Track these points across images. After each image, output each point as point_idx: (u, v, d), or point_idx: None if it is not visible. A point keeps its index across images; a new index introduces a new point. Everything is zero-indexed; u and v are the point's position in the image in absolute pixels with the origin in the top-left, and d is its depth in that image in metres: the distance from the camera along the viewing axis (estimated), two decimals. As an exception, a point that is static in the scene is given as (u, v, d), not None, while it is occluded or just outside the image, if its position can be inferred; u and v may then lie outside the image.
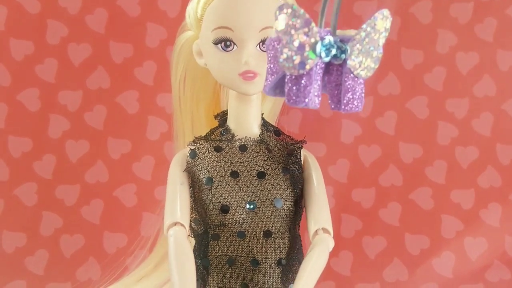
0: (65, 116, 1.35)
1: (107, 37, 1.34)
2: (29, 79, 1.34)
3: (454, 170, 1.40)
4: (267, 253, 0.82)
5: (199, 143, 0.85)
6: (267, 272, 0.82)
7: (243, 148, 0.85)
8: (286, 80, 0.62)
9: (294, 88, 0.62)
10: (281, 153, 0.86)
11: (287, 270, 0.83)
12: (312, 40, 0.62)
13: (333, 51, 0.63)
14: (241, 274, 0.82)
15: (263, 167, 0.84)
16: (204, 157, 0.84)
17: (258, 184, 0.83)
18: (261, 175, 0.83)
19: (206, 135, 0.87)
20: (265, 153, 0.85)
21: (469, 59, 1.40)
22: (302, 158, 0.87)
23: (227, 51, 0.82)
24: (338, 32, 0.65)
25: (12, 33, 1.33)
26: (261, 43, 0.81)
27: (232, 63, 0.82)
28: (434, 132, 1.40)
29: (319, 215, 0.84)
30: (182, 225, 0.80)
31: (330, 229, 0.83)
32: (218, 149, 0.84)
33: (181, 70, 0.91)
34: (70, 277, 1.33)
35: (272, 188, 0.83)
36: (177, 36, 0.91)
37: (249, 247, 0.82)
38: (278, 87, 0.66)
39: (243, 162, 0.84)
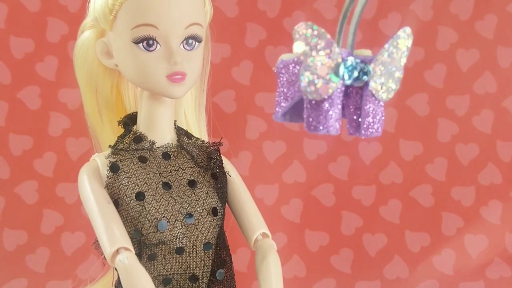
0: (65, 114, 1.35)
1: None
2: (30, 77, 1.34)
3: (454, 167, 1.40)
4: (206, 266, 0.76)
5: (120, 154, 0.75)
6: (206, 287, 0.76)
7: (166, 156, 0.77)
8: (305, 105, 0.58)
9: (314, 114, 0.58)
10: (201, 157, 0.79)
11: (225, 282, 0.78)
12: (334, 62, 0.57)
13: (355, 73, 0.58)
14: None
15: (192, 175, 0.77)
16: (129, 169, 0.74)
17: (191, 194, 0.76)
18: (192, 184, 0.76)
19: (116, 144, 0.77)
20: (188, 159, 0.78)
21: (470, 56, 1.40)
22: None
23: (150, 51, 0.73)
24: (355, 52, 0.61)
25: (13, 31, 1.33)
26: (184, 41, 0.74)
27: (158, 64, 0.73)
28: (435, 129, 1.40)
29: (254, 220, 0.79)
30: (127, 249, 0.70)
31: (269, 232, 0.80)
32: (143, 159, 0.75)
33: (88, 75, 0.81)
34: (71, 275, 1.33)
35: (207, 196, 0.76)
36: (78, 35, 0.81)
37: (187, 263, 0.75)
38: (289, 112, 0.62)
39: (171, 172, 0.76)
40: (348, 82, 0.59)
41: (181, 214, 0.75)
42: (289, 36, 1.37)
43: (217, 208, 0.77)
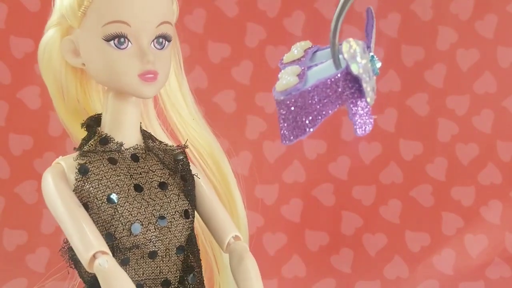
0: (65, 114, 1.35)
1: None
2: (30, 77, 1.34)
3: (454, 167, 1.40)
4: (178, 271, 0.74)
5: (89, 156, 0.73)
6: None
7: (135, 157, 0.75)
8: (367, 112, 0.61)
9: (366, 118, 0.61)
10: (168, 160, 0.77)
11: (196, 285, 0.76)
12: (369, 64, 0.60)
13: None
14: None
15: (162, 176, 0.75)
16: (100, 171, 0.72)
17: (163, 196, 0.74)
18: (163, 186, 0.74)
19: (81, 145, 0.75)
20: (157, 161, 0.76)
21: (470, 56, 1.40)
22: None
23: (121, 48, 0.70)
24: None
25: (13, 31, 1.33)
26: (155, 40, 0.72)
27: (130, 63, 0.70)
28: (435, 129, 1.40)
29: (225, 223, 0.78)
30: (104, 252, 0.67)
31: (240, 235, 0.78)
32: (112, 161, 0.73)
33: (53, 76, 0.79)
34: (71, 275, 1.33)
35: (178, 198, 0.74)
36: (44, 33, 0.79)
37: (160, 267, 0.73)
38: (295, 128, 0.61)
39: (140, 174, 0.74)
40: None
41: (154, 216, 0.72)
42: (289, 36, 1.37)
43: (189, 210, 0.75)
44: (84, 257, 0.67)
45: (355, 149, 1.40)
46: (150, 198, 0.73)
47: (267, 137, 1.39)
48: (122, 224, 0.71)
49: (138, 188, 0.73)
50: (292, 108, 0.61)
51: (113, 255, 0.70)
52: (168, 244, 0.73)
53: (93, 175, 0.72)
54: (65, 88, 0.79)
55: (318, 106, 0.61)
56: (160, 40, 0.72)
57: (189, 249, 0.75)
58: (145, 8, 0.71)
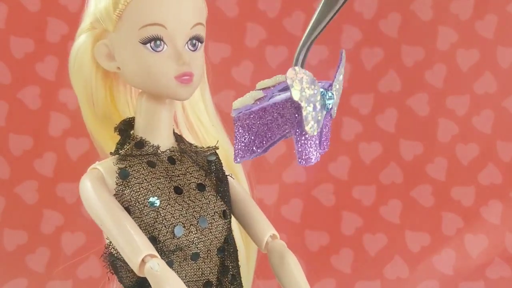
0: (65, 114, 1.35)
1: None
2: (30, 77, 1.34)
3: (454, 167, 1.40)
4: (218, 272, 0.75)
5: (128, 159, 0.73)
6: None
7: (171, 160, 0.75)
8: (301, 142, 0.64)
9: (309, 148, 0.64)
10: (201, 161, 0.77)
11: (235, 287, 0.76)
12: (318, 97, 0.62)
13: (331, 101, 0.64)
14: None
15: (199, 178, 0.75)
16: (140, 175, 0.72)
17: (201, 198, 0.74)
18: (201, 188, 0.75)
19: (117, 149, 0.74)
20: (192, 163, 0.76)
21: (470, 56, 1.40)
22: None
23: (157, 51, 0.71)
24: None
25: (13, 31, 1.33)
26: (189, 42, 0.72)
27: (166, 65, 0.71)
28: (435, 129, 1.40)
29: (262, 223, 0.78)
30: (153, 256, 0.67)
31: (277, 234, 0.79)
32: (151, 164, 0.73)
33: (84, 82, 0.79)
34: (71, 275, 1.33)
35: (216, 199, 0.75)
36: (76, 39, 0.78)
37: (201, 269, 0.74)
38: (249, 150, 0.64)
39: (178, 176, 0.74)
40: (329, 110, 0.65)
41: (195, 218, 0.73)
42: (289, 36, 1.37)
43: (226, 211, 0.76)
44: (133, 261, 0.67)
45: (355, 149, 1.40)
46: (190, 200, 0.73)
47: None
48: (165, 227, 0.71)
49: (178, 190, 0.73)
50: (241, 128, 0.63)
51: None
52: (210, 245, 0.74)
53: (133, 179, 0.72)
54: (94, 93, 0.79)
55: (264, 128, 0.64)
56: (194, 41, 0.73)
57: (227, 250, 0.76)
58: (180, 10, 0.71)
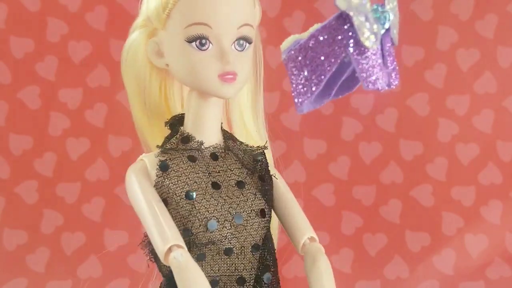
0: (65, 114, 1.35)
1: (106, 34, 1.34)
2: (29, 77, 1.34)
3: (454, 167, 1.40)
4: (253, 269, 0.76)
5: (170, 153, 0.75)
6: None
7: (214, 156, 0.77)
8: (362, 64, 0.58)
9: (376, 68, 0.59)
10: (247, 160, 0.78)
11: (270, 286, 0.77)
12: (368, 5, 0.58)
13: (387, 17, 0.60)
14: None
15: (240, 175, 0.77)
16: (179, 168, 0.74)
17: (239, 195, 0.75)
18: (241, 185, 0.76)
19: (164, 144, 0.77)
20: (236, 161, 0.78)
21: (470, 55, 1.40)
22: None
23: (203, 50, 0.73)
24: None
25: (12, 31, 1.33)
26: (236, 42, 0.74)
27: (210, 64, 0.73)
28: (435, 129, 1.40)
29: (301, 224, 0.79)
30: (179, 246, 0.70)
31: (316, 236, 0.79)
32: (192, 158, 0.75)
33: (136, 77, 0.81)
34: (71, 275, 1.33)
35: (255, 198, 0.76)
36: (129, 34, 0.80)
37: (235, 264, 0.75)
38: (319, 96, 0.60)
39: (219, 172, 0.76)
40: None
41: (230, 214, 0.74)
42: (289, 36, 1.37)
43: (265, 210, 0.76)
44: (160, 249, 0.70)
45: (355, 149, 1.40)
46: (227, 196, 0.75)
47: (267, 137, 1.39)
48: (199, 220, 0.73)
49: (215, 185, 0.75)
50: (294, 69, 0.61)
51: (190, 250, 0.72)
52: (244, 242, 0.75)
53: (172, 171, 0.74)
54: (147, 88, 0.81)
55: (318, 58, 0.61)
56: (241, 42, 0.74)
57: (265, 248, 0.76)
58: (226, 10, 0.73)
